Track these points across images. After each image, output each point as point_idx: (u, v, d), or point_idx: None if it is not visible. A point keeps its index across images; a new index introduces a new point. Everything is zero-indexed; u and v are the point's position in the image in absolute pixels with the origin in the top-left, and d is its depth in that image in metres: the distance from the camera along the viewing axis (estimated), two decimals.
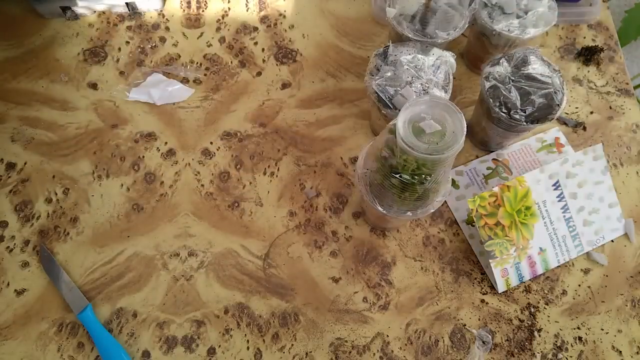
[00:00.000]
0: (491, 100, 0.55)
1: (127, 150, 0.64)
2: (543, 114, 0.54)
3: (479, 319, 0.57)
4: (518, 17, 0.59)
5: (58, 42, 0.70)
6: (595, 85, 0.71)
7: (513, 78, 0.55)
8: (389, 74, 0.53)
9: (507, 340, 0.56)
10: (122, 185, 0.62)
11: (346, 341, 0.55)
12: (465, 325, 0.57)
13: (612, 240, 0.61)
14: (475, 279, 0.59)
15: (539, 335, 0.57)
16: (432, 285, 0.58)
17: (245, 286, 0.57)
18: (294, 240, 0.60)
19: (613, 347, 0.57)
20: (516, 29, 0.59)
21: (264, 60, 0.70)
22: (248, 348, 0.55)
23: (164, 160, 0.63)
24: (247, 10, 0.74)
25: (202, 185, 0.62)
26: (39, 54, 0.69)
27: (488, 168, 0.64)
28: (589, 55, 0.72)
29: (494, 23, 0.59)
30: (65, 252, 0.58)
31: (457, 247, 0.60)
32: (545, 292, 0.59)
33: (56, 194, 0.61)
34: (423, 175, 0.41)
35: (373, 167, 0.46)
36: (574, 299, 0.59)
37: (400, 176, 0.42)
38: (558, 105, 0.54)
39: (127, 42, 0.70)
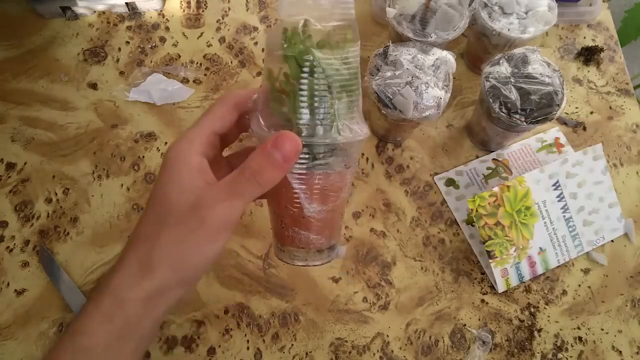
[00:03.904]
0: (491, 100, 0.55)
1: (127, 150, 0.64)
2: (543, 114, 0.54)
3: (479, 319, 0.57)
4: (518, 17, 0.59)
5: (58, 42, 0.70)
6: (595, 85, 0.71)
7: (513, 78, 0.55)
8: (389, 74, 0.53)
9: (507, 340, 0.56)
10: (122, 185, 0.62)
11: (346, 341, 0.55)
12: (465, 325, 0.57)
13: (612, 240, 0.61)
14: (475, 279, 0.59)
15: (539, 336, 0.57)
16: (432, 285, 0.58)
17: (245, 286, 0.57)
18: None
19: (613, 347, 0.57)
20: (516, 29, 0.59)
21: (264, 60, 0.70)
22: (248, 348, 0.55)
23: None
24: (247, 10, 0.74)
25: None
26: (39, 54, 0.69)
27: (488, 168, 0.64)
28: (589, 55, 0.72)
29: (494, 23, 0.59)
30: (65, 252, 0.58)
31: (457, 247, 0.60)
32: (545, 292, 0.59)
33: (56, 194, 0.61)
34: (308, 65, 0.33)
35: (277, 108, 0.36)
36: (574, 299, 0.59)
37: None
38: (558, 105, 0.54)
39: (127, 42, 0.70)
